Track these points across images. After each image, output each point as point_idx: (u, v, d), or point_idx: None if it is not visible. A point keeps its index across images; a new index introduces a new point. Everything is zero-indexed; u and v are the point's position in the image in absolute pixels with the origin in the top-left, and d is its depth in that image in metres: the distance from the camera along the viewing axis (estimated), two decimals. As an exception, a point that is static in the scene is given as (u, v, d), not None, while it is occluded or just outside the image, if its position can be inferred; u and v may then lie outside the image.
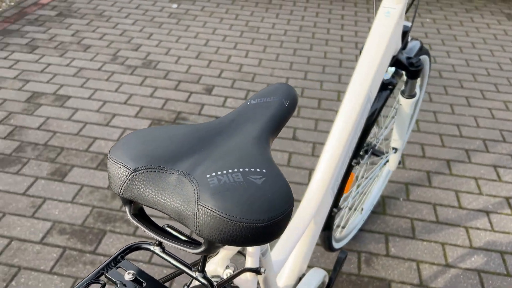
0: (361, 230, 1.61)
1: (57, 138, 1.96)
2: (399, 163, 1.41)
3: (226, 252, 0.67)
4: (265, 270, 0.65)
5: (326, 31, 3.09)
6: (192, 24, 3.09)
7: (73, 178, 1.75)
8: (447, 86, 2.50)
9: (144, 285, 0.49)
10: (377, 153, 1.34)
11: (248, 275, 0.65)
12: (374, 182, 1.72)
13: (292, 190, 1.74)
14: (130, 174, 0.47)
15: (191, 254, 0.66)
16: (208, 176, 0.46)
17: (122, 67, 2.52)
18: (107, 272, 0.49)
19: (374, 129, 1.42)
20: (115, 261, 0.50)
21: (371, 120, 1.09)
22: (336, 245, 1.41)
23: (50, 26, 2.94)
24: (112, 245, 1.49)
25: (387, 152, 1.34)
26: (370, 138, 1.38)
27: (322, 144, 2.01)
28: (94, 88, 2.32)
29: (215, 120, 0.57)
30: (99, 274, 0.48)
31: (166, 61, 2.62)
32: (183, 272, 0.52)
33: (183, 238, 0.49)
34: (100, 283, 0.47)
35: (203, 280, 0.50)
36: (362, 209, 1.61)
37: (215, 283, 0.51)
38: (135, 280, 0.49)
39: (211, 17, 3.21)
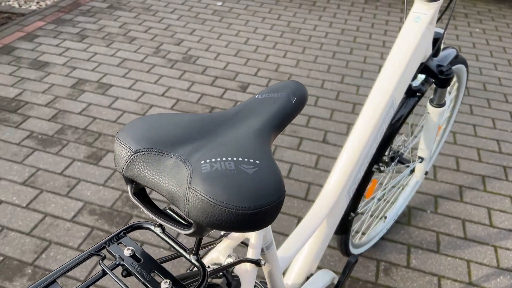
0: (383, 238, 1.58)
1: (96, 124, 2.06)
2: (426, 173, 1.37)
3: (230, 242, 0.69)
4: (265, 263, 0.66)
5: (368, 35, 3.04)
6: (234, 22, 3.14)
7: (107, 162, 1.84)
8: (491, 99, 2.40)
9: (141, 261, 0.52)
10: (404, 161, 1.32)
11: (248, 265, 0.67)
12: (400, 191, 1.68)
13: (309, 191, 1.74)
14: (132, 155, 0.50)
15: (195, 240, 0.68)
16: (202, 162, 0.48)
17: (163, 60, 2.60)
18: (108, 246, 0.52)
19: (403, 137, 1.39)
20: (117, 237, 0.54)
21: (396, 127, 1.07)
22: (354, 251, 1.40)
23: (100, 18, 3.08)
24: (137, 229, 1.55)
25: (413, 161, 1.32)
26: (397, 146, 1.35)
27: (352, 149, 1.98)
28: (135, 79, 2.41)
29: (221, 111, 0.59)
30: (101, 248, 0.52)
31: (206, 57, 2.67)
32: (179, 255, 0.54)
33: (179, 220, 0.51)
34: (101, 256, 0.51)
35: (195, 263, 0.52)
36: (385, 217, 1.58)
37: (208, 269, 0.53)
38: (133, 256, 0.52)
39: (253, 16, 3.25)
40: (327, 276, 0.96)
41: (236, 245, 0.69)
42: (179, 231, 0.48)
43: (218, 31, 2.99)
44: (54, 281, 0.47)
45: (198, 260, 0.52)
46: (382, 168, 1.33)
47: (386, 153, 1.32)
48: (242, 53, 2.74)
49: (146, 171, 0.49)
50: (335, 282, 0.99)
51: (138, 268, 0.51)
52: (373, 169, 1.08)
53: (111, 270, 0.49)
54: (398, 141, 1.37)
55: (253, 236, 0.67)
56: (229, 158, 0.48)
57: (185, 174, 0.47)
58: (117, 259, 0.51)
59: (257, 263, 0.66)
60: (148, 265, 0.51)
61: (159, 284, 0.49)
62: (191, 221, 0.47)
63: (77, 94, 2.27)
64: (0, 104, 2.17)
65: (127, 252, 0.52)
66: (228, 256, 0.68)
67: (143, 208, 0.51)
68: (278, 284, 0.83)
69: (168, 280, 0.49)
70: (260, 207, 0.45)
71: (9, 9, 3.20)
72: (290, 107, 0.61)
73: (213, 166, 0.47)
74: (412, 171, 1.39)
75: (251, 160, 0.49)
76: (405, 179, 1.63)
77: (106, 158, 1.86)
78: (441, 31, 1.02)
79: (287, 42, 2.90)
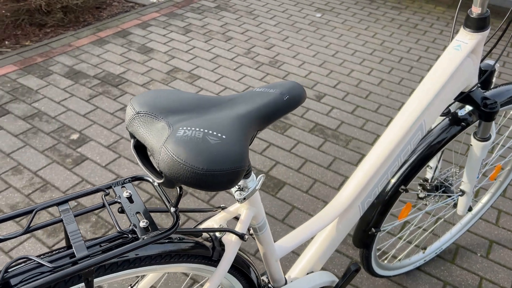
0: (419, 269, 1.54)
1: (178, 108, 2.30)
2: (470, 209, 1.31)
3: (225, 215, 0.79)
4: (247, 238, 0.75)
5: (466, 65, 2.88)
6: (328, 34, 3.21)
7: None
8: None
9: (133, 203, 0.64)
10: (449, 193, 1.28)
11: (233, 237, 0.76)
12: (442, 223, 1.61)
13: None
14: (134, 115, 0.63)
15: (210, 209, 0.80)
16: (180, 128, 0.59)
17: (251, 61, 2.78)
18: (114, 186, 0.66)
19: (452, 167, 1.35)
20: (123, 182, 0.67)
21: (431, 151, 1.07)
22: (380, 271, 1.39)
23: (206, 16, 3.38)
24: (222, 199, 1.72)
25: (456, 193, 1.28)
26: (445, 175, 1.32)
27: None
28: (221, 75, 2.62)
29: (220, 96, 0.70)
30: (108, 187, 0.66)
31: (291, 63, 2.79)
32: (165, 209, 0.66)
33: (158, 172, 0.63)
34: (105, 192, 0.65)
35: (172, 213, 0.63)
36: (424, 248, 1.53)
37: (180, 221, 0.64)
38: (129, 198, 0.65)
39: (349, 31, 3.28)
40: (327, 277, 1.01)
41: (231, 218, 0.79)
42: (154, 179, 0.60)
43: (309, 41, 3.09)
44: (66, 201, 0.62)
45: (175, 211, 0.63)
46: (421, 195, 1.31)
47: (429, 180, 1.29)
48: (327, 64, 2.80)
49: (140, 128, 0.61)
50: (333, 285, 1.03)
51: (129, 207, 0.63)
52: (400, 189, 1.09)
53: (109, 204, 0.63)
54: (446, 170, 1.33)
55: (243, 213, 0.77)
56: (201, 129, 0.59)
57: (165, 135, 0.59)
58: (116, 197, 0.65)
59: (240, 236, 0.75)
60: (137, 207, 0.64)
61: (139, 221, 0.62)
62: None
63: (170, 80, 2.54)
64: (107, 78, 2.53)
65: (125, 194, 0.65)
66: (220, 225, 0.78)
67: (137, 159, 0.64)
68: (272, 269, 0.91)
69: (146, 221, 0.62)
70: (212, 170, 0.55)
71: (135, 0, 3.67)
72: (280, 103, 0.69)
73: (185, 132, 0.58)
74: (455, 204, 1.34)
75: (219, 135, 0.59)
76: (448, 212, 1.56)
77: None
78: (491, 62, 0.99)
79: (376, 60, 2.89)
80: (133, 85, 2.48)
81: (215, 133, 0.59)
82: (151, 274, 0.85)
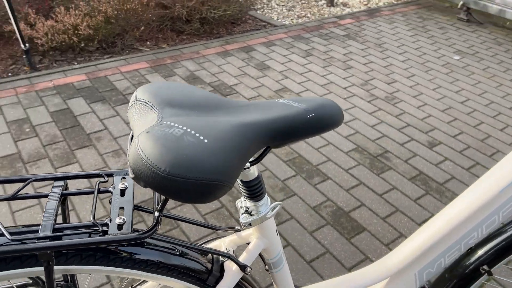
0: None
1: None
2: None
3: (236, 238, 0.69)
4: (250, 271, 0.64)
5: None
6: (462, 79, 2.85)
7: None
8: None
9: (123, 197, 0.59)
10: None
11: (234, 267, 0.65)
12: None
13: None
14: (134, 101, 0.58)
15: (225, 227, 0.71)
16: (165, 122, 0.51)
17: (365, 93, 2.61)
18: (115, 175, 0.62)
19: None
20: (126, 173, 0.63)
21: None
22: None
23: (332, 42, 3.31)
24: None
25: None
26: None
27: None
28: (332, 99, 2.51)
29: (235, 100, 0.60)
30: (109, 174, 0.62)
31: (410, 103, 2.54)
32: (151, 210, 0.60)
33: None
34: (104, 178, 0.61)
35: (154, 217, 0.56)
36: None
37: (158, 227, 0.56)
38: (122, 191, 0.60)
39: (489, 79, 2.87)
40: None
41: (243, 244, 0.69)
42: (129, 173, 0.53)
43: (438, 83, 2.79)
44: (63, 179, 0.59)
45: (158, 216, 0.56)
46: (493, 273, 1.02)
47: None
48: (452, 111, 2.48)
49: (134, 115, 0.56)
50: None
51: (117, 200, 0.58)
52: (481, 269, 0.85)
53: (99, 191, 0.59)
54: None
55: (252, 241, 0.66)
56: (184, 128, 0.50)
57: (148, 126, 0.52)
58: (110, 187, 0.60)
59: (241, 267, 0.64)
60: (125, 202, 0.58)
61: (119, 218, 0.56)
62: None
63: (276, 97, 2.52)
64: (219, 87, 2.62)
65: (120, 186, 0.60)
66: (226, 249, 0.69)
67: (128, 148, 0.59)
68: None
69: (123, 218, 0.55)
70: (175, 175, 0.45)
71: (268, 20, 3.80)
72: (300, 120, 0.57)
73: (165, 127, 0.50)
74: None
75: (200, 137, 0.49)
76: None
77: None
78: None
79: (515, 116, 2.46)
80: (240, 97, 2.52)
81: (197, 134, 0.50)
82: (151, 282, 0.79)
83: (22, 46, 2.72)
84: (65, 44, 2.94)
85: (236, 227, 0.71)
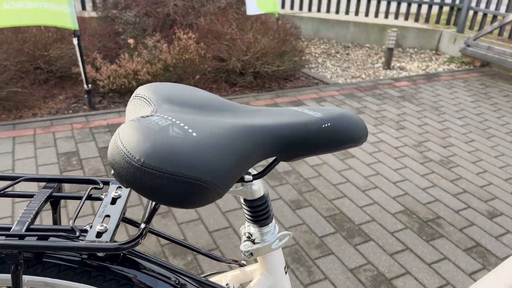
0: None
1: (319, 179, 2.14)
2: None
3: (239, 274, 0.60)
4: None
5: None
6: (529, 148, 2.61)
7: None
8: None
9: (113, 205, 0.53)
10: None
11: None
12: None
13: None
14: (133, 96, 0.54)
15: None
16: (157, 114, 0.46)
17: (418, 155, 2.45)
18: (112, 183, 0.57)
19: None
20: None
21: None
22: None
23: (385, 102, 3.23)
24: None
25: None
26: None
27: None
28: (377, 159, 2.38)
29: (246, 105, 0.54)
30: (106, 182, 0.57)
31: (468, 168, 2.34)
32: (137, 223, 0.53)
33: None
34: (99, 186, 0.56)
35: (141, 229, 0.49)
36: None
37: (141, 241, 0.49)
38: (113, 199, 0.54)
39: (561, 150, 2.61)
40: None
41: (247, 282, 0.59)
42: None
43: (501, 151, 2.57)
44: (55, 180, 0.55)
45: (145, 227, 0.49)
46: None
47: None
48: (516, 180, 2.24)
49: (130, 111, 0.51)
50: None
51: (105, 207, 0.53)
52: None
53: (90, 197, 0.54)
54: None
55: (255, 278, 0.57)
56: (173, 120, 0.44)
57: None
58: (103, 194, 0.55)
59: None
60: (113, 211, 0.52)
61: (100, 225, 0.50)
62: None
63: (321, 152, 2.44)
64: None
65: (113, 194, 0.55)
66: (227, 284, 0.59)
67: None
68: None
69: (105, 225, 0.49)
70: (149, 167, 0.39)
71: (321, 78, 3.81)
72: (314, 130, 0.49)
73: (154, 117, 0.45)
74: None
75: (189, 130, 0.43)
76: None
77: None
78: None
79: None
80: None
81: (185, 127, 0.44)
82: None
83: (85, 86, 2.90)
84: (124, 88, 3.11)
85: (242, 261, 0.62)
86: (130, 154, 0.41)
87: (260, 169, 2.13)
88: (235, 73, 3.46)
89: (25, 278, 0.49)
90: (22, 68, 3.06)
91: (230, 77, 3.47)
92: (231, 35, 3.42)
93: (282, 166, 2.26)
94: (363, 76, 3.97)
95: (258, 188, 0.57)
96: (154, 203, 0.51)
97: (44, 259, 0.49)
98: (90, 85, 2.93)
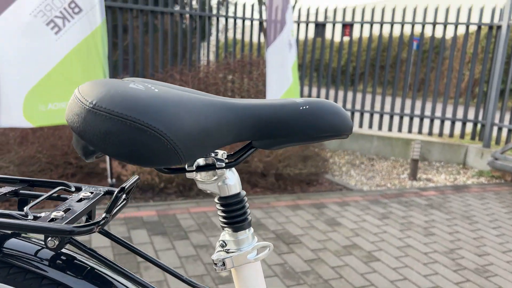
0: None
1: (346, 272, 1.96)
2: None
3: None
4: None
5: None
6: None
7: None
8: None
9: (78, 201, 0.49)
10: None
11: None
12: None
13: None
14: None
15: None
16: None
17: (450, 262, 2.24)
18: (84, 188, 0.53)
19: None
20: (97, 189, 0.53)
21: None
22: None
23: (412, 209, 3.09)
24: None
25: None
26: None
27: None
28: (405, 264, 2.19)
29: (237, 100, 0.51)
30: (79, 187, 0.53)
31: (508, 278, 2.10)
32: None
33: None
34: (69, 189, 0.52)
35: (101, 218, 0.44)
36: None
37: (96, 227, 0.44)
38: (82, 198, 0.50)
39: None
40: None
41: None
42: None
43: (544, 263, 2.32)
44: (26, 182, 0.52)
45: (104, 217, 0.44)
46: None
47: None
48: None
49: None
50: None
51: (71, 201, 0.48)
52: None
53: (57, 198, 0.49)
54: None
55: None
56: (138, 83, 0.42)
57: None
58: (71, 195, 0.51)
59: None
60: (75, 206, 0.48)
61: (57, 212, 0.45)
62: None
63: (343, 253, 2.28)
64: (283, 235, 2.47)
65: (82, 195, 0.50)
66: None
67: None
68: None
69: (62, 213, 0.44)
70: (99, 108, 0.36)
71: (345, 184, 3.76)
72: (291, 111, 0.45)
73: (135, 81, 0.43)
74: None
75: (152, 87, 0.40)
76: None
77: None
78: None
79: None
80: (304, 248, 2.33)
81: (149, 85, 0.42)
82: None
83: (109, 180, 2.97)
84: (147, 184, 3.15)
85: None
86: (84, 98, 0.40)
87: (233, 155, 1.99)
88: (257, 174, 3.48)
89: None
90: (53, 161, 3.20)
91: (252, 177, 3.48)
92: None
93: (299, 265, 2.10)
94: (388, 185, 3.90)
95: (233, 183, 0.53)
96: (117, 193, 0.47)
97: None
98: (114, 180, 2.99)
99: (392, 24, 4.94)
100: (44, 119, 2.55)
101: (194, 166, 0.50)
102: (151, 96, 0.40)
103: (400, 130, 5.17)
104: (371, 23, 5.03)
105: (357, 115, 5.27)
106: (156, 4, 4.32)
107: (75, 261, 0.51)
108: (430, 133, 5.09)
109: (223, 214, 0.54)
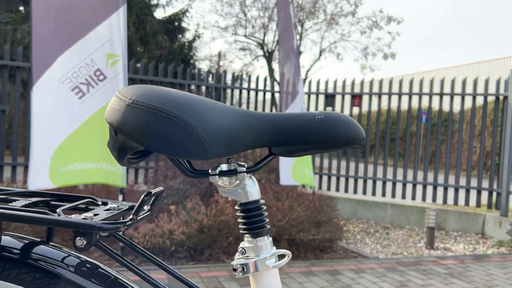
0: None
1: None
2: None
3: None
4: None
5: None
6: None
7: None
8: None
9: (106, 210, 0.51)
10: None
11: None
12: None
13: None
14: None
15: None
16: None
17: (476, 332, 2.10)
18: (120, 205, 0.56)
19: None
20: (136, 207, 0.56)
21: None
22: None
23: (431, 278, 2.96)
24: None
25: None
26: None
27: None
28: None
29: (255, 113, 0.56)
30: (105, 202, 0.56)
31: None
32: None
33: None
34: (97, 203, 0.55)
35: (129, 218, 0.46)
36: None
37: (120, 233, 0.46)
38: (108, 209, 0.53)
39: None
40: None
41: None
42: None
43: None
44: (56, 196, 0.55)
45: (132, 217, 0.46)
46: None
47: None
48: None
49: None
50: None
51: (98, 210, 0.51)
52: None
53: (85, 210, 0.53)
54: None
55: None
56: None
57: None
58: (96, 208, 0.54)
59: None
60: (101, 212, 0.51)
61: (87, 214, 0.48)
62: None
63: (360, 321, 2.16)
64: (296, 301, 2.37)
65: (110, 205, 0.54)
66: None
67: None
68: None
69: (91, 215, 0.48)
70: (138, 103, 0.42)
71: (360, 252, 3.65)
72: (307, 120, 0.50)
73: None
74: None
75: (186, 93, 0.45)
76: None
77: None
78: None
79: None
80: (318, 314, 2.22)
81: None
82: None
83: (121, 244, 2.95)
84: (158, 246, 3.11)
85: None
86: (124, 96, 0.46)
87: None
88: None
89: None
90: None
91: (264, 244, 3.42)
92: (267, 202, 3.53)
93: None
94: (405, 253, 3.78)
95: (253, 190, 0.56)
96: (144, 196, 0.50)
97: None
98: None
99: (400, 95, 5.11)
100: (64, 180, 2.62)
101: (217, 171, 0.53)
102: (184, 95, 0.47)
103: (413, 198, 5.10)
104: (379, 94, 5.22)
105: (369, 183, 5.25)
106: (175, 77, 4.59)
107: (99, 269, 0.52)
108: (444, 202, 5.01)
109: (243, 221, 0.57)
